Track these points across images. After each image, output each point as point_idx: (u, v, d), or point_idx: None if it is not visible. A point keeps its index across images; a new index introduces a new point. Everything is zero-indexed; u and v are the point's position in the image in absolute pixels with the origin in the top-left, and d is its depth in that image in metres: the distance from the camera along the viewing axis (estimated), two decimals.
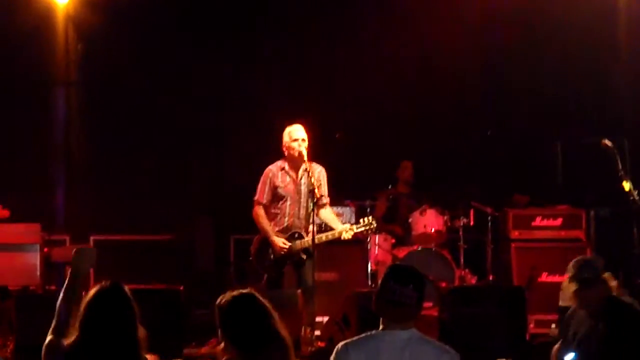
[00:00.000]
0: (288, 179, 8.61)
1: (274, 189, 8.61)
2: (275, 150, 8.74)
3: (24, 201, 10.34)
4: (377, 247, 10.41)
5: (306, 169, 8.44)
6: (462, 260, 10.43)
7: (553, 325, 8.90)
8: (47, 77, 11.69)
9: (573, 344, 5.54)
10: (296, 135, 8.53)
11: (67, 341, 4.32)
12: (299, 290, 8.30)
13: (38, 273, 9.75)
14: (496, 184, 11.30)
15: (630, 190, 8.17)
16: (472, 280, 10.42)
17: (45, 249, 9.92)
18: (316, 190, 8.30)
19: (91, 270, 10.52)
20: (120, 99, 11.60)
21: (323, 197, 8.59)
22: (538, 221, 10.51)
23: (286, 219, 8.60)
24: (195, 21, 11.67)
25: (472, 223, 10.59)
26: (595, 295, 5.64)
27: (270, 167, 8.69)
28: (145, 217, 11.13)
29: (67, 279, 4.55)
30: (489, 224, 10.58)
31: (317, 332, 8.57)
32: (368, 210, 10.46)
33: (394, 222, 10.81)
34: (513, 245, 10.43)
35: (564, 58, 11.51)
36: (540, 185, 11.14)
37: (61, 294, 4.51)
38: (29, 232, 9.88)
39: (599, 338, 5.54)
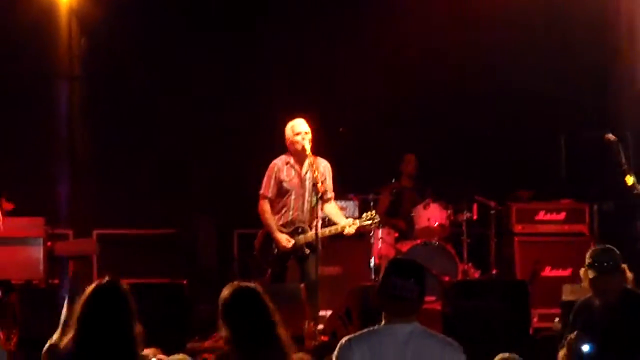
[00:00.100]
0: (293, 172, 8.61)
1: (279, 182, 8.61)
2: (278, 146, 8.74)
3: (28, 195, 10.36)
4: (380, 241, 10.41)
5: (311, 163, 8.43)
6: (465, 254, 10.44)
7: (556, 319, 8.86)
8: (50, 71, 11.70)
9: (588, 335, 5.49)
10: (299, 129, 8.53)
11: (64, 341, 4.32)
12: (302, 285, 8.31)
13: (41, 267, 9.76)
14: (500, 178, 11.29)
15: (633, 184, 8.17)
16: (476, 274, 10.42)
17: (49, 243, 9.94)
18: (319, 185, 8.30)
19: (94, 264, 10.63)
20: (123, 93, 11.60)
21: (328, 192, 8.58)
22: (541, 215, 10.52)
23: (291, 212, 8.60)
24: (198, 17, 11.66)
25: (475, 217, 10.60)
26: (612, 284, 5.58)
27: (275, 161, 8.68)
28: (148, 211, 11.14)
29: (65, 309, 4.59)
30: (493, 218, 10.59)
31: (321, 326, 8.58)
32: (371, 204, 10.45)
33: (397, 216, 10.81)
34: (516, 239, 10.44)
35: (565, 53, 11.50)
36: (544, 180, 11.14)
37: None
38: (33, 225, 9.90)
39: (616, 329, 5.51)
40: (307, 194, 8.57)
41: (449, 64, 11.48)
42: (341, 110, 11.17)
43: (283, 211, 8.62)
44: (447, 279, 9.77)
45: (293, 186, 8.59)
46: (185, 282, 8.56)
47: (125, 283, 4.45)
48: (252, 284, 4.55)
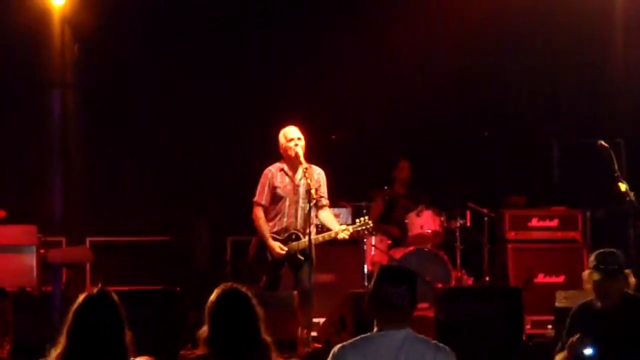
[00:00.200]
0: (287, 179, 8.61)
1: (273, 189, 8.61)
2: (272, 152, 8.74)
3: (21, 203, 10.35)
4: (373, 248, 10.41)
5: (305, 170, 8.44)
6: (458, 261, 10.43)
7: (549, 326, 8.89)
8: (43, 78, 11.70)
9: (590, 339, 5.47)
10: (291, 135, 8.54)
11: (55, 353, 4.30)
12: (296, 292, 8.31)
13: (34, 274, 9.75)
14: (493, 184, 11.31)
15: (626, 191, 8.17)
16: (469, 281, 10.42)
17: (42, 251, 9.92)
18: (313, 192, 8.30)
19: (87, 271, 10.61)
20: (116, 101, 11.60)
21: (322, 199, 8.59)
22: (534, 222, 10.52)
23: (285, 219, 8.60)
24: (193, 23, 11.67)
25: (468, 224, 10.58)
26: (616, 287, 5.58)
27: (269, 167, 8.69)
28: (141, 218, 11.13)
29: None
30: (486, 224, 10.59)
31: (314, 334, 8.57)
32: (364, 211, 10.45)
33: (390, 223, 10.80)
34: (509, 246, 10.44)
35: (559, 60, 11.54)
36: (537, 186, 11.15)
37: None
38: (26, 233, 9.89)
39: (618, 332, 5.51)
40: (300, 201, 8.57)
41: (442, 72, 11.50)
42: (336, 112, 11.19)
43: (277, 218, 8.62)
44: (440, 285, 9.76)
45: (287, 193, 8.59)
46: (178, 289, 8.55)
47: (114, 293, 4.43)
48: (243, 287, 4.54)
